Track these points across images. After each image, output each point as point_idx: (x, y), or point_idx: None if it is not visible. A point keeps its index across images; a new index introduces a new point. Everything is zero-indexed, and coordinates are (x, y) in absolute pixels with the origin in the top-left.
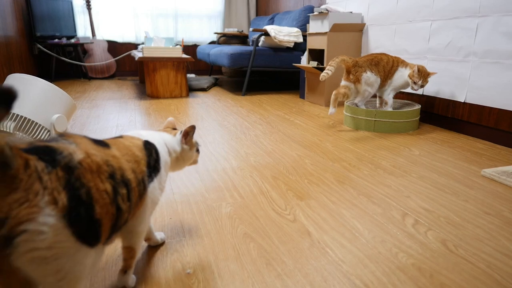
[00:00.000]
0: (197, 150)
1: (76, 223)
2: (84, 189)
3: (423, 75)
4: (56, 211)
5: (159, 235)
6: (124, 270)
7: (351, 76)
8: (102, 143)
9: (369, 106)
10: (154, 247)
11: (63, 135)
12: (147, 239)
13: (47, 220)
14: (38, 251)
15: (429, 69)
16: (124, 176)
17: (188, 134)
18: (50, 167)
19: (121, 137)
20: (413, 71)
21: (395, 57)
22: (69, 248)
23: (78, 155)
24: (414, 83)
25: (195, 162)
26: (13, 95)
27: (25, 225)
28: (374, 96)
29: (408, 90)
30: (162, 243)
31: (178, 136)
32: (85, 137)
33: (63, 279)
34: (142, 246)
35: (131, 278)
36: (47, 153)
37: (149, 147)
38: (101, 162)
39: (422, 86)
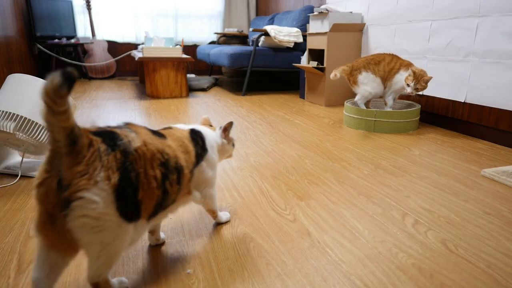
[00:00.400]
0: (233, 145)
1: (122, 200)
2: (134, 173)
3: (416, 77)
4: (109, 186)
5: (161, 235)
6: (214, 218)
7: (351, 82)
8: (159, 134)
9: (377, 105)
10: (154, 246)
11: (128, 124)
12: (152, 231)
13: (100, 193)
14: (88, 218)
15: (429, 69)
16: (178, 163)
17: (227, 129)
18: (110, 150)
19: (170, 128)
20: (408, 74)
21: (403, 60)
22: (112, 222)
23: (136, 143)
24: (408, 85)
25: (230, 155)
26: (74, 77)
27: (82, 192)
28: (381, 96)
29: None
30: (162, 243)
31: (218, 131)
32: (146, 128)
33: (104, 249)
34: (142, 246)
35: (224, 216)
36: (110, 137)
37: (194, 136)
38: (155, 151)
39: (416, 90)
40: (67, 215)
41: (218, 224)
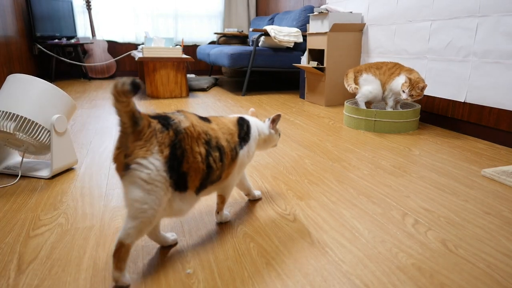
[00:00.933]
0: (279, 134)
1: (171, 171)
2: (181, 150)
3: (412, 84)
4: (162, 158)
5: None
6: (217, 211)
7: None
8: (205, 119)
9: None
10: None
11: (179, 110)
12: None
13: (154, 161)
14: (140, 180)
15: (429, 69)
16: (218, 143)
17: (275, 121)
18: (164, 129)
19: (220, 116)
20: (404, 81)
21: (403, 66)
22: (160, 189)
23: (185, 123)
24: (403, 91)
25: (275, 145)
26: (140, 87)
27: (139, 159)
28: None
29: None
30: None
31: (267, 122)
32: (194, 114)
33: (144, 212)
34: (142, 246)
35: (224, 215)
36: (165, 119)
37: (241, 122)
38: (200, 131)
39: (411, 96)
40: (125, 175)
41: (218, 224)
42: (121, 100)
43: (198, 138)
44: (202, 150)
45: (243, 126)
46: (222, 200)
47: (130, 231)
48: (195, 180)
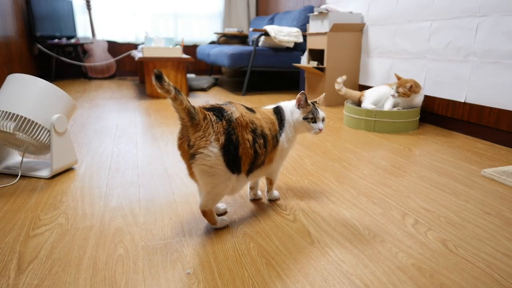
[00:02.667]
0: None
1: (227, 155)
2: (235, 136)
3: (400, 82)
4: (218, 145)
5: (258, 192)
6: (268, 191)
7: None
8: (251, 110)
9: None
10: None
11: (230, 102)
12: (252, 187)
13: (213, 149)
14: (205, 166)
15: (429, 69)
16: (263, 131)
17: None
18: (218, 119)
19: (260, 108)
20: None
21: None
22: (221, 171)
23: (236, 114)
24: (392, 88)
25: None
26: (158, 74)
27: (201, 149)
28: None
29: None
30: (259, 199)
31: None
32: (243, 105)
33: (213, 188)
34: (142, 246)
35: (274, 193)
36: (219, 111)
37: (277, 111)
38: (248, 121)
39: (398, 93)
40: (192, 164)
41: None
42: (169, 96)
43: (246, 127)
44: (250, 137)
45: (277, 114)
46: (270, 182)
47: (207, 203)
48: (245, 164)
